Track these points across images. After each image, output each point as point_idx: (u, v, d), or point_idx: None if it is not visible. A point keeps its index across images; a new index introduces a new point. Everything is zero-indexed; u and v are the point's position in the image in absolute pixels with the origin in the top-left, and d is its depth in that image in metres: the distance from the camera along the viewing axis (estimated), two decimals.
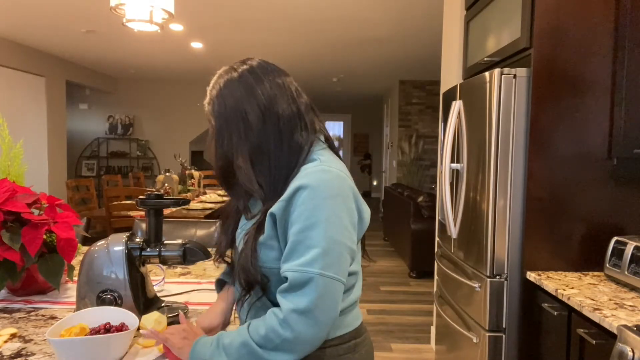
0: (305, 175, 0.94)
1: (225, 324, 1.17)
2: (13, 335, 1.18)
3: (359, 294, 1.06)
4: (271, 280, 0.99)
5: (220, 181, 1.08)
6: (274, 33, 5.02)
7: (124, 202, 4.29)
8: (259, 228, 0.99)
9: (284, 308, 0.90)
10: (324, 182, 0.93)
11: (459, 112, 2.29)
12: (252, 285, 0.99)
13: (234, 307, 1.18)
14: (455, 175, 2.39)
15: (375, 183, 11.93)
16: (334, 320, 0.92)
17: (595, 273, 1.89)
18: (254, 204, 1.06)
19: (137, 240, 1.30)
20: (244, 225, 1.07)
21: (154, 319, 1.16)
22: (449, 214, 2.34)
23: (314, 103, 1.08)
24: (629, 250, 1.65)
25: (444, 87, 3.17)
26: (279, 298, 0.92)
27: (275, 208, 0.95)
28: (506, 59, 2.16)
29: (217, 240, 1.14)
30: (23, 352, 1.09)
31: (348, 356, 1.01)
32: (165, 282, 1.65)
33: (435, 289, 2.97)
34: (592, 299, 1.55)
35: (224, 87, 1.03)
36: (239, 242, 1.06)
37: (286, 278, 0.92)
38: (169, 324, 1.22)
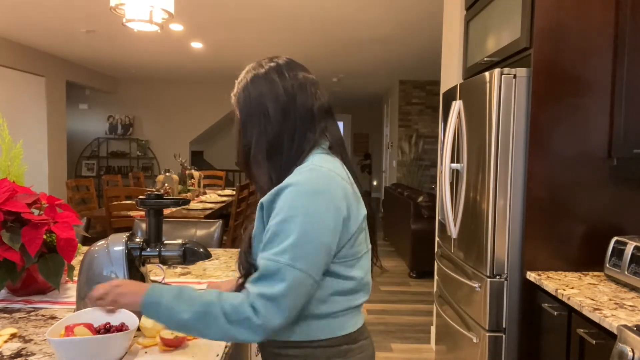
0: (296, 173, 0.98)
1: None
2: (13, 335, 1.18)
3: (360, 301, 1.05)
4: None
5: (245, 172, 1.12)
6: (274, 33, 5.02)
7: (124, 202, 4.28)
8: (254, 222, 1.04)
9: (252, 292, 0.92)
10: (309, 179, 0.96)
11: (459, 112, 2.28)
12: (248, 274, 1.01)
13: None
14: (455, 175, 2.39)
15: (375, 183, 11.93)
16: (298, 313, 0.94)
17: (595, 273, 1.89)
18: None
19: (137, 240, 1.30)
20: None
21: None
22: (449, 214, 2.34)
23: (333, 104, 1.12)
24: (629, 250, 1.65)
25: (444, 87, 3.17)
26: (248, 285, 0.94)
27: (264, 199, 0.99)
28: (506, 59, 2.16)
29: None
30: (23, 352, 1.09)
31: None
32: (165, 282, 1.65)
33: (435, 289, 2.97)
34: (592, 299, 1.55)
35: (251, 81, 1.07)
36: None
37: (256, 268, 0.95)
38: None
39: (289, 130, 1.03)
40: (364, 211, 1.03)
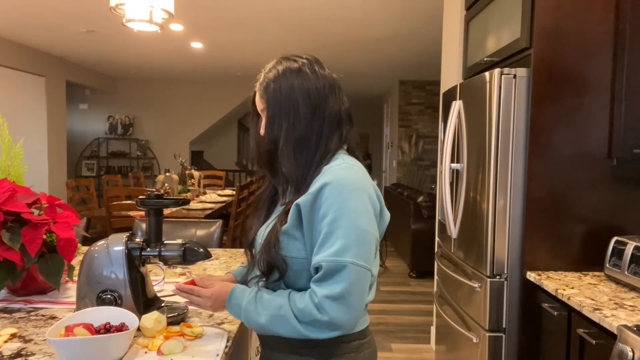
0: (330, 172, 1.00)
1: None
2: (13, 335, 1.18)
3: (372, 297, 1.07)
4: (290, 269, 1.02)
5: (265, 165, 1.11)
6: (274, 33, 5.02)
7: (124, 202, 4.28)
8: (284, 217, 1.03)
9: (318, 293, 0.94)
10: (347, 177, 0.99)
11: (459, 112, 2.28)
12: (272, 269, 1.03)
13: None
14: (455, 175, 2.39)
15: (375, 183, 11.93)
16: (364, 305, 0.98)
17: (595, 273, 1.89)
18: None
19: (137, 240, 1.30)
20: (272, 220, 1.11)
21: (154, 319, 1.16)
22: (449, 214, 2.34)
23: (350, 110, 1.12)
24: (629, 250, 1.65)
25: (444, 87, 3.17)
26: (313, 287, 0.96)
27: (302, 200, 0.99)
28: (506, 59, 2.16)
29: (248, 225, 1.20)
30: (23, 352, 1.09)
31: (351, 355, 1.04)
32: (165, 282, 1.65)
33: (435, 289, 2.97)
34: (592, 299, 1.55)
35: (282, 73, 1.06)
36: (261, 235, 1.10)
37: (316, 269, 0.97)
38: (169, 324, 1.22)
39: (316, 130, 1.04)
40: (388, 212, 1.09)
